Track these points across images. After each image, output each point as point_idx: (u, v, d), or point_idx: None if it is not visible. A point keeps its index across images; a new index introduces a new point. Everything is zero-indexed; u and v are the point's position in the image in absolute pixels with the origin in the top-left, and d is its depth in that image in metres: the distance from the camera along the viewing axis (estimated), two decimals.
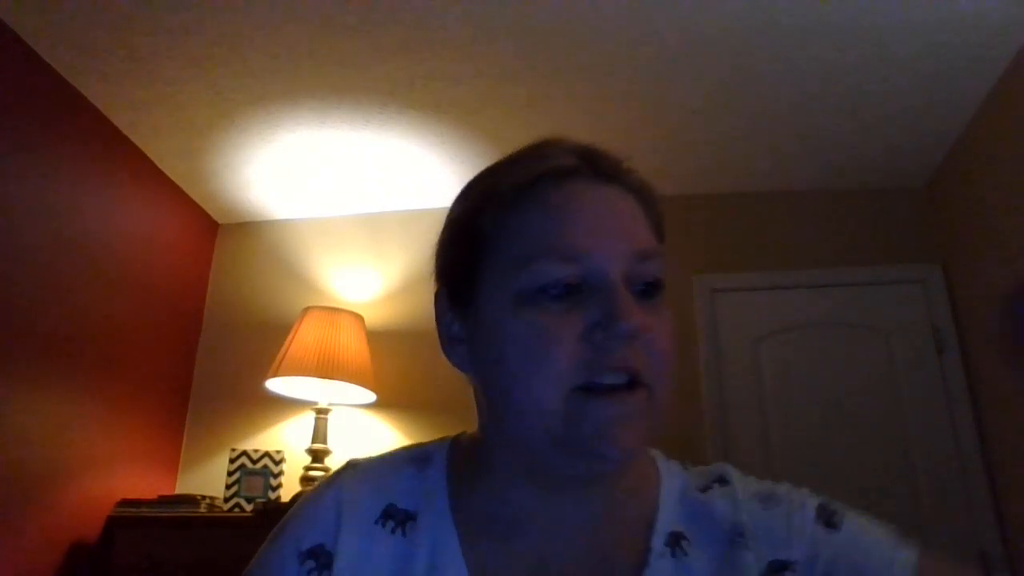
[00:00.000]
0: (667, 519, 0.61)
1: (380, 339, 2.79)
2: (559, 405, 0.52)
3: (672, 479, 0.64)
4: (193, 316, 2.96)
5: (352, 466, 0.66)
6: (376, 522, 0.61)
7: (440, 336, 0.63)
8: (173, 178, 2.82)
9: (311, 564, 0.59)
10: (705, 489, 0.63)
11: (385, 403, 2.71)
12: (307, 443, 2.52)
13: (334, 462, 2.54)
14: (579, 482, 0.58)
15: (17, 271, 2.06)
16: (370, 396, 2.59)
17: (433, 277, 0.65)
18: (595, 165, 0.59)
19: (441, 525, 0.60)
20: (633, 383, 0.53)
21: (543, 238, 0.55)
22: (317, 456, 2.48)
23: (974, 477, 2.40)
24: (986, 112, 2.36)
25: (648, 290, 0.56)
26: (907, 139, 2.57)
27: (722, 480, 0.63)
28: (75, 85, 2.28)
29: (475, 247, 0.59)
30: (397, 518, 0.61)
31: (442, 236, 0.65)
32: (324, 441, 2.51)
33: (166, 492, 2.57)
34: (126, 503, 2.32)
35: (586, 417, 0.52)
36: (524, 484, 0.59)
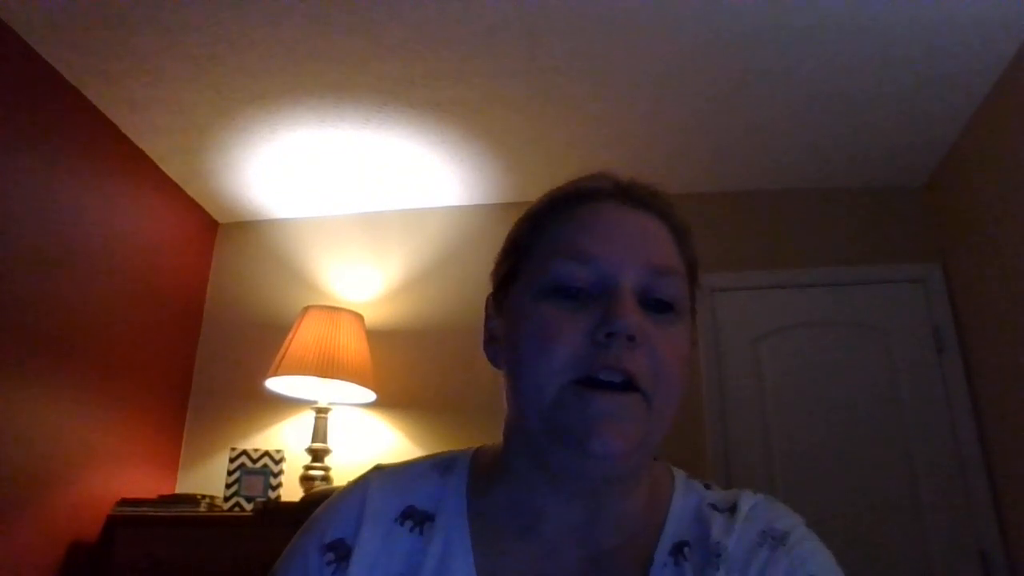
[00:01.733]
0: (674, 530, 0.61)
1: (380, 338, 2.79)
2: (555, 394, 0.56)
3: (689, 494, 0.65)
4: (193, 315, 2.96)
5: (379, 470, 0.70)
6: (396, 520, 0.63)
7: (484, 336, 0.69)
8: (173, 177, 2.82)
9: (330, 556, 0.62)
10: (716, 509, 0.63)
11: (385, 402, 2.71)
12: (307, 442, 2.52)
13: (334, 461, 2.54)
14: (586, 484, 0.60)
15: (17, 270, 2.06)
16: (370, 395, 2.59)
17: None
18: (631, 193, 0.65)
19: (456, 525, 0.62)
20: (628, 385, 0.55)
21: (566, 241, 0.61)
22: (317, 455, 2.48)
23: (974, 476, 2.40)
24: (986, 111, 2.36)
25: (660, 306, 0.59)
26: (907, 138, 2.57)
27: (735, 507, 0.63)
28: (75, 84, 2.28)
29: (515, 255, 0.65)
30: (416, 518, 0.63)
31: (500, 252, 0.71)
32: (324, 440, 2.51)
33: (166, 491, 2.58)
34: (126, 502, 2.32)
35: (576, 407, 0.55)
36: (537, 484, 0.61)
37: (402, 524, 0.63)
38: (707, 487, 0.67)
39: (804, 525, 0.63)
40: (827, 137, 2.57)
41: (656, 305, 0.59)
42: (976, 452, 2.42)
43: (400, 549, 0.61)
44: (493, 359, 0.67)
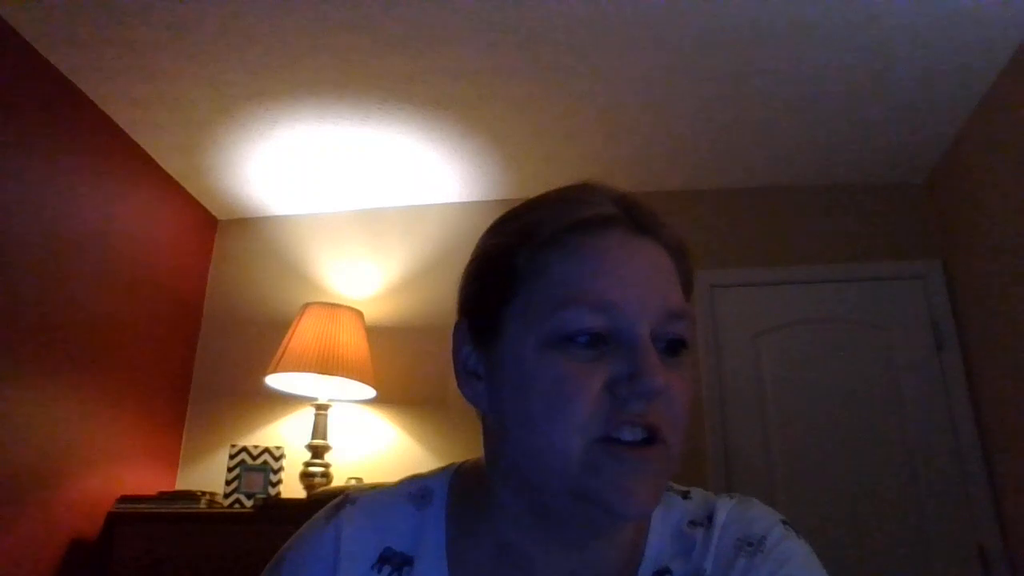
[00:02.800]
0: (655, 556, 0.60)
1: (380, 335, 2.79)
2: (580, 454, 0.52)
3: (668, 512, 0.63)
4: (193, 312, 2.96)
5: (351, 502, 0.65)
6: (372, 567, 0.60)
7: (456, 369, 0.62)
8: (172, 174, 2.81)
9: None
10: (695, 524, 0.62)
11: (385, 399, 2.71)
12: (307, 439, 2.52)
13: (334, 458, 2.55)
14: (588, 532, 0.58)
15: (16, 267, 2.06)
16: (370, 392, 2.60)
17: (456, 308, 0.64)
18: (634, 217, 0.59)
19: (436, 573, 0.60)
20: (651, 439, 0.53)
21: (576, 286, 0.55)
22: (317, 452, 2.48)
23: (973, 472, 2.40)
24: (985, 108, 2.36)
25: (672, 347, 0.56)
26: (907, 135, 2.57)
27: (709, 518, 0.61)
28: (73, 81, 2.27)
29: (505, 284, 0.58)
30: (394, 562, 0.60)
31: (469, 268, 0.63)
32: (324, 437, 2.51)
33: (166, 488, 2.58)
34: (126, 499, 2.33)
35: (605, 469, 0.52)
36: (530, 531, 0.59)
37: (379, 571, 0.60)
38: (686, 495, 0.65)
39: (782, 524, 0.60)
40: (827, 134, 2.57)
41: (669, 347, 0.56)
42: (975, 448, 2.42)
43: None
44: (474, 399, 0.61)
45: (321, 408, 2.55)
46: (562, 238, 0.57)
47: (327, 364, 2.44)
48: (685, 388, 0.56)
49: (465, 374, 0.61)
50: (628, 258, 0.56)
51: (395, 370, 2.76)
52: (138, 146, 2.61)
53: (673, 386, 0.54)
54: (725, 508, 0.61)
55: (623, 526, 0.59)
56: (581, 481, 0.52)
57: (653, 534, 0.61)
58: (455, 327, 0.63)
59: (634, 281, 0.55)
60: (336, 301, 2.77)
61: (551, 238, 0.57)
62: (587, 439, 0.52)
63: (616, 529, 0.59)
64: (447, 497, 0.64)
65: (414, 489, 0.65)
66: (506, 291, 0.58)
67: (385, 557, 0.60)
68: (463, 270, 0.64)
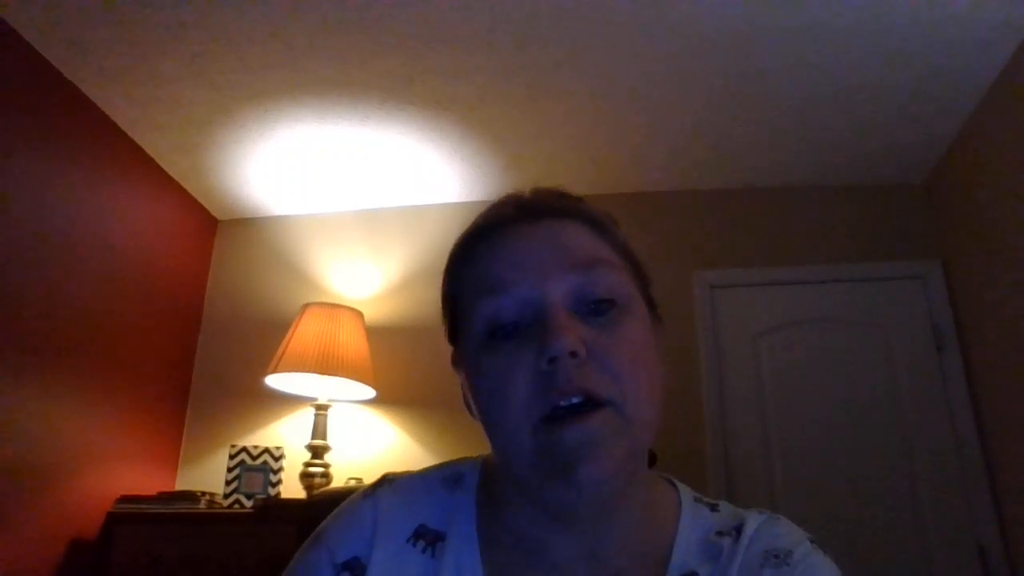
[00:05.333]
0: (682, 560, 0.60)
1: (379, 335, 2.79)
2: (530, 440, 0.54)
3: (696, 521, 0.63)
4: (193, 312, 2.96)
5: (388, 481, 0.68)
6: (408, 540, 0.63)
7: (462, 393, 0.67)
8: (172, 174, 2.81)
9: (346, 575, 0.61)
10: (722, 534, 0.62)
11: (385, 399, 2.71)
12: (307, 439, 2.52)
13: (333, 458, 2.55)
14: (582, 513, 0.58)
15: (16, 268, 2.06)
16: (370, 392, 2.60)
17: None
18: (530, 207, 0.62)
19: (467, 551, 0.62)
20: (592, 403, 0.53)
21: (478, 280, 0.60)
22: (317, 452, 2.48)
23: (973, 472, 2.40)
24: (985, 109, 2.36)
25: (599, 307, 0.57)
26: (906, 136, 2.57)
27: (738, 530, 0.61)
28: (74, 82, 2.27)
29: (449, 310, 0.66)
30: (428, 538, 0.63)
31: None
32: (324, 437, 2.51)
33: (166, 488, 2.58)
34: (126, 499, 2.33)
35: (553, 444, 0.53)
36: (536, 518, 0.60)
37: (414, 544, 0.62)
38: (714, 508, 0.65)
39: (809, 541, 0.60)
40: (827, 134, 2.57)
41: (595, 307, 0.56)
42: (975, 448, 2.42)
43: (412, 571, 0.61)
44: (474, 416, 0.64)
45: (321, 408, 2.55)
46: (467, 252, 0.63)
47: (327, 364, 2.44)
48: (625, 345, 0.56)
49: (464, 393, 0.65)
50: (521, 241, 0.60)
51: (395, 370, 2.76)
52: (138, 146, 2.61)
53: (600, 345, 0.54)
54: (755, 521, 0.62)
55: (622, 508, 0.59)
56: (540, 463, 0.54)
57: (680, 541, 0.61)
58: (451, 359, 0.68)
59: (532, 253, 0.58)
60: (336, 301, 2.77)
61: (460, 257, 0.64)
62: (531, 423, 0.54)
63: (603, 505, 0.57)
64: (477, 483, 0.67)
65: (447, 473, 0.68)
66: (455, 318, 0.64)
67: (419, 533, 0.63)
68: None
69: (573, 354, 0.53)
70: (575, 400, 0.53)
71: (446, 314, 0.67)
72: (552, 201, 0.63)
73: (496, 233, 0.61)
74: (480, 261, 0.61)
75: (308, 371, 2.43)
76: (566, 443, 0.52)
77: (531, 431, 0.54)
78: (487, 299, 0.57)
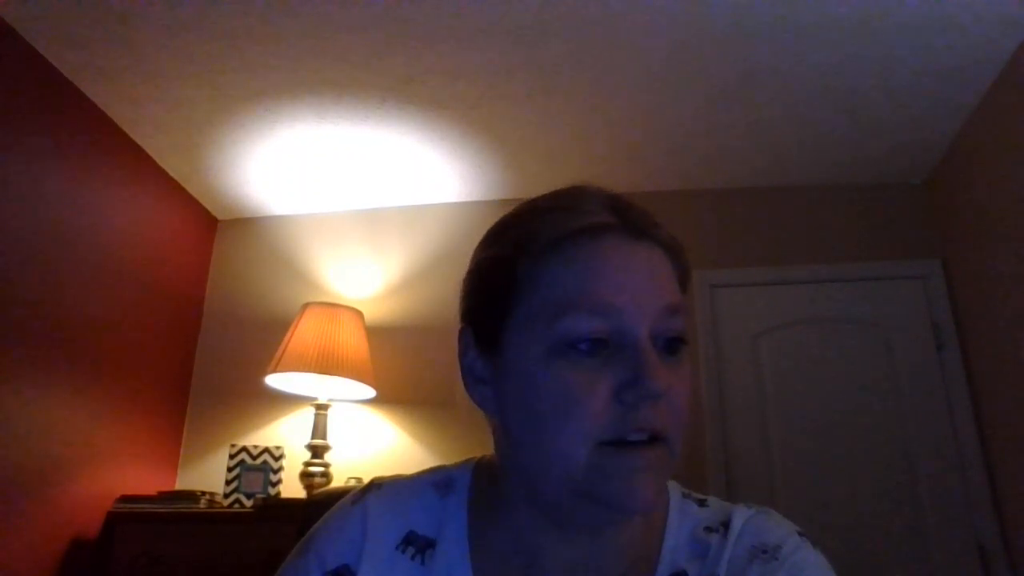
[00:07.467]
0: (670, 558, 0.61)
1: (379, 335, 2.79)
2: (586, 458, 0.54)
3: (684, 517, 0.64)
4: (193, 312, 2.96)
5: (377, 486, 0.67)
6: (397, 547, 0.63)
7: (463, 374, 0.64)
8: (172, 174, 2.81)
9: None
10: (711, 530, 0.62)
11: (385, 399, 2.71)
12: (307, 439, 2.52)
13: (333, 458, 2.55)
14: (590, 528, 0.60)
15: (16, 267, 2.06)
16: (370, 392, 2.60)
17: (459, 314, 0.66)
18: (628, 220, 0.60)
19: (457, 558, 0.62)
20: (653, 439, 0.55)
21: (576, 293, 0.56)
22: (317, 452, 2.48)
23: (973, 471, 2.40)
24: (985, 108, 2.36)
25: (672, 345, 0.58)
26: (907, 135, 2.57)
27: (725, 525, 0.62)
28: (74, 81, 2.27)
29: (506, 294, 0.59)
30: (417, 545, 0.63)
31: (470, 276, 0.65)
32: (324, 437, 2.51)
33: (166, 488, 2.58)
34: (126, 499, 2.33)
35: (611, 470, 0.54)
36: (538, 524, 0.60)
37: (404, 551, 0.62)
38: (702, 503, 0.66)
39: (798, 534, 0.61)
40: (827, 134, 2.57)
41: (668, 345, 0.58)
42: (975, 448, 2.43)
43: None
44: (482, 404, 0.62)
45: (321, 408, 2.55)
46: (560, 247, 0.58)
47: (327, 364, 2.44)
48: (685, 388, 0.58)
49: (472, 379, 0.63)
50: (625, 263, 0.58)
51: (395, 370, 2.76)
52: (138, 146, 2.61)
53: (674, 386, 0.55)
54: (742, 516, 0.62)
55: (627, 523, 0.61)
56: (587, 483, 0.54)
57: (669, 538, 0.62)
58: (460, 333, 0.64)
59: (631, 284, 0.57)
60: (336, 301, 2.78)
61: (549, 247, 0.58)
62: (593, 444, 0.54)
63: (619, 526, 0.60)
64: (469, 487, 0.67)
65: (438, 478, 0.68)
66: (508, 302, 0.59)
67: (409, 539, 0.63)
68: (463, 280, 0.66)
69: (660, 395, 0.54)
70: (645, 437, 0.54)
71: (490, 288, 0.61)
72: (646, 222, 0.61)
73: (596, 240, 0.58)
74: (579, 266, 0.57)
75: (308, 371, 2.43)
76: (626, 471, 0.54)
77: (592, 449, 0.54)
78: (581, 316, 0.55)
